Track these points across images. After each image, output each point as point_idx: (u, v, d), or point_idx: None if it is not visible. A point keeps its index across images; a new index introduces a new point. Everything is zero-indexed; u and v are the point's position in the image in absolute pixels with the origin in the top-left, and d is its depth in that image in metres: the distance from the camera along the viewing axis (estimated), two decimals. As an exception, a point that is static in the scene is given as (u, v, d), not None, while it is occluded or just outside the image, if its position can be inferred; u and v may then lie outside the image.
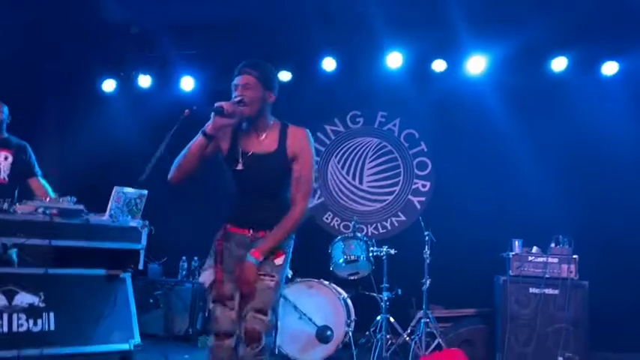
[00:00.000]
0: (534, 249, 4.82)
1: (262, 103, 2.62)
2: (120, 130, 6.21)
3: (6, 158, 4.27)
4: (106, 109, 6.48)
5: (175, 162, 2.61)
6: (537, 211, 5.38)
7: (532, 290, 4.69)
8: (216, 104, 2.54)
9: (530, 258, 4.76)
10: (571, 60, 5.59)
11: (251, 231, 2.65)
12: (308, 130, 2.72)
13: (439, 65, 5.85)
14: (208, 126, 2.55)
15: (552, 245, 4.77)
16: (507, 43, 5.47)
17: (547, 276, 4.67)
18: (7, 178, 4.24)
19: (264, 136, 2.66)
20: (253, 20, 5.76)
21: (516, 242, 4.84)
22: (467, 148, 5.92)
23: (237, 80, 2.60)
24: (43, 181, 4.41)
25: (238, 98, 2.56)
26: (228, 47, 6.01)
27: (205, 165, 2.68)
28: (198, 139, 2.57)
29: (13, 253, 4.02)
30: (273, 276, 2.59)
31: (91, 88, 6.55)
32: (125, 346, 4.04)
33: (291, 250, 2.73)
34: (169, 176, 2.64)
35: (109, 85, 6.61)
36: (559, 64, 5.62)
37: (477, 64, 5.75)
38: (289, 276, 4.75)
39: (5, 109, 4.32)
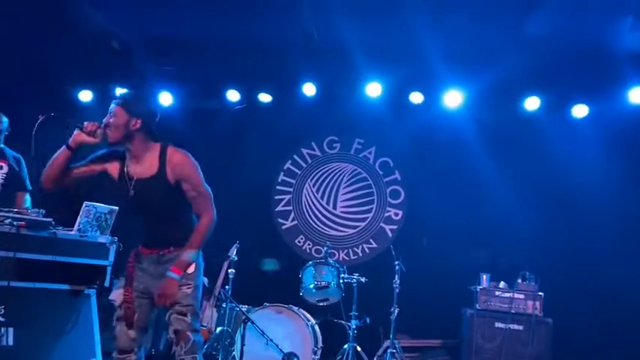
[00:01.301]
0: (501, 284, 4.90)
1: (126, 129, 2.79)
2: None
3: (1, 168, 4.26)
4: (81, 120, 6.38)
5: (44, 170, 2.85)
6: (506, 246, 5.49)
7: (498, 325, 4.76)
8: (84, 126, 2.84)
9: (497, 293, 4.84)
10: (544, 100, 5.78)
11: (157, 250, 2.86)
12: (185, 151, 2.87)
13: (416, 97, 5.97)
14: (71, 139, 2.84)
15: (519, 281, 4.86)
16: (483, 79, 5.63)
17: (513, 311, 4.74)
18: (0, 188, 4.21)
19: (143, 160, 2.83)
20: (235, 41, 5.78)
21: (484, 276, 4.92)
22: (440, 179, 6.02)
23: (109, 109, 2.87)
24: (27, 198, 4.40)
25: (103, 122, 2.83)
26: (209, 66, 6.04)
27: (90, 182, 2.95)
28: (61, 149, 2.85)
29: None
30: (189, 284, 2.80)
31: (67, 97, 6.46)
32: (85, 365, 3.92)
33: (201, 258, 2.90)
34: (42, 185, 2.88)
35: (85, 96, 6.53)
36: (532, 103, 5.79)
37: (453, 99, 5.89)
38: (206, 283, 4.78)
39: (5, 120, 4.32)
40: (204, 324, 5.22)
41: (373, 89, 5.94)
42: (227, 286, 5.01)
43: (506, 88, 5.67)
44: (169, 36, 5.82)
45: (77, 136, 2.82)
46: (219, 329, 5.05)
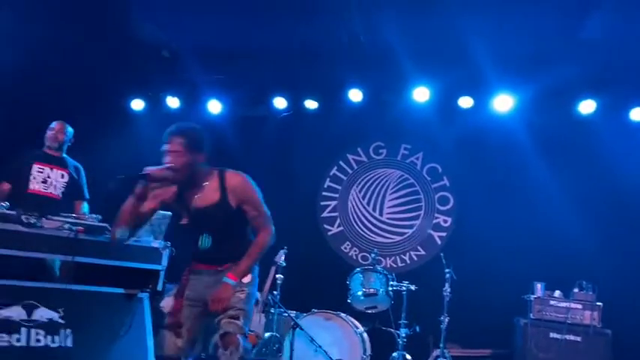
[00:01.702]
0: (557, 293, 4.74)
1: (192, 167, 2.82)
2: (147, 150, 6.26)
3: (62, 176, 4.44)
4: (134, 129, 6.57)
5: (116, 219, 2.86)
6: (561, 253, 5.30)
7: (553, 335, 4.60)
8: (144, 170, 2.80)
9: (552, 302, 4.68)
10: (600, 103, 5.57)
11: (215, 266, 2.89)
12: (243, 174, 2.92)
13: (465, 102, 5.87)
14: (136, 190, 2.83)
15: (575, 290, 4.69)
16: (536, 83, 5.48)
17: (569, 322, 4.57)
18: (60, 195, 4.40)
19: (203, 188, 2.86)
20: (281, 48, 5.84)
21: (538, 285, 4.77)
22: (491, 185, 5.88)
23: (165, 147, 2.82)
24: (85, 206, 4.57)
25: (167, 165, 2.79)
26: (256, 74, 6.11)
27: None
28: (129, 200, 2.86)
29: (56, 266, 4.09)
30: (243, 289, 2.83)
31: (120, 106, 6.67)
32: (139, 367, 4.00)
33: (256, 273, 2.96)
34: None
35: (137, 105, 6.72)
36: (587, 106, 5.60)
37: (503, 103, 5.76)
38: (258, 297, 4.79)
39: (70, 130, 4.54)
40: (252, 329, 5.26)
41: (421, 94, 5.88)
42: (275, 292, 5.04)
43: (559, 91, 5.50)
44: (218, 44, 5.92)
45: (141, 188, 2.86)
46: (267, 334, 5.08)
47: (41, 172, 4.36)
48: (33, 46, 5.46)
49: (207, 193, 2.85)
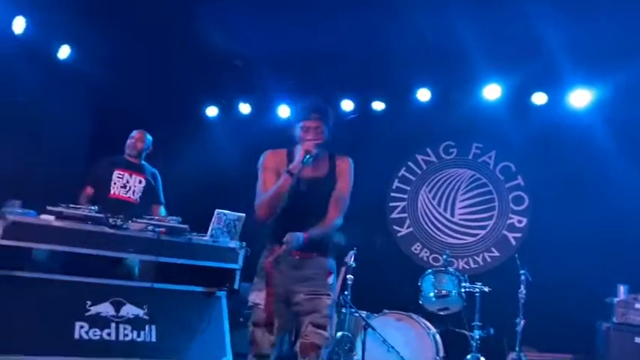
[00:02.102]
0: (642, 296, 4.49)
1: (325, 142, 2.87)
2: (221, 155, 6.54)
3: (140, 182, 4.69)
4: (208, 135, 6.85)
5: (263, 202, 2.80)
6: (646, 255, 5.01)
7: (638, 340, 4.36)
8: (306, 149, 2.77)
9: (637, 305, 4.44)
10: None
11: (300, 252, 2.78)
12: (351, 159, 2.95)
13: (539, 98, 5.69)
14: (294, 166, 2.77)
15: (662, 293, 4.43)
16: (614, 76, 5.23)
17: (656, 326, 4.33)
18: (138, 200, 4.65)
19: (318, 168, 2.87)
20: (348, 51, 5.88)
21: (622, 287, 4.55)
22: (567, 184, 5.65)
23: (309, 123, 2.84)
24: (163, 210, 4.80)
25: (317, 141, 2.81)
26: (324, 77, 6.19)
27: None
28: (285, 178, 2.76)
29: (136, 266, 4.37)
30: (329, 295, 2.79)
31: (195, 113, 6.98)
32: (217, 364, 4.17)
33: (335, 275, 2.91)
34: (259, 214, 2.83)
35: (211, 111, 7.01)
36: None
37: (580, 98, 5.54)
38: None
39: (149, 138, 4.80)
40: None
41: (492, 91, 5.76)
42: (346, 292, 5.09)
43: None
44: (286, 50, 6.05)
45: (297, 164, 2.77)
46: (339, 334, 5.13)
47: (121, 178, 4.62)
48: (118, 61, 5.85)
49: (320, 167, 2.86)
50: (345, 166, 2.91)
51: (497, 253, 6.02)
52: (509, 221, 6.03)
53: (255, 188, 2.91)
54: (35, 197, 3.89)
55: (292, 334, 2.84)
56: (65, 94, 5.61)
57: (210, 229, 4.30)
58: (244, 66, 6.23)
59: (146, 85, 6.23)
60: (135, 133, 4.76)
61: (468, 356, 4.70)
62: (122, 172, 4.64)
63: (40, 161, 5.33)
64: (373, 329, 4.52)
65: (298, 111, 2.94)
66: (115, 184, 4.60)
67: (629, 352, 4.36)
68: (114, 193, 4.59)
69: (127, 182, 4.64)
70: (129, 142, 4.73)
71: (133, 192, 4.65)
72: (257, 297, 2.82)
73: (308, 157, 2.75)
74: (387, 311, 4.75)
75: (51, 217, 3.72)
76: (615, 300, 4.50)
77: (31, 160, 5.20)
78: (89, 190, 4.60)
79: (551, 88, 5.63)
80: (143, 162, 4.80)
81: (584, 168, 5.58)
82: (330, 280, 2.84)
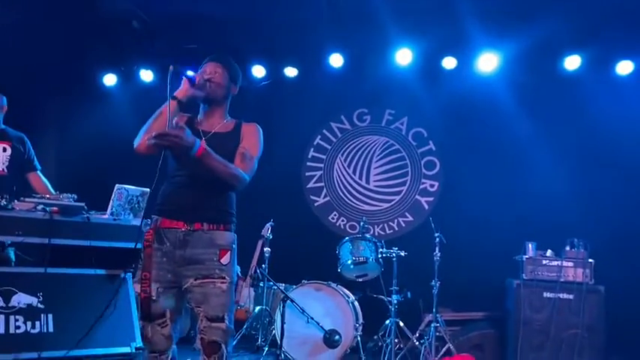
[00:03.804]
0: (548, 252, 4.68)
1: (226, 91, 2.63)
2: (121, 126, 6.03)
3: (4, 150, 4.12)
4: (107, 105, 6.33)
5: (144, 127, 2.47)
6: (551, 213, 5.25)
7: (546, 295, 4.55)
8: (193, 74, 2.53)
9: (544, 261, 4.63)
10: (585, 58, 5.46)
11: (185, 224, 2.45)
12: (259, 125, 2.69)
13: (449, 62, 5.72)
14: (179, 91, 2.50)
15: (567, 249, 4.64)
16: (520, 40, 5.34)
17: (562, 280, 4.53)
18: (6, 170, 4.09)
19: (220, 123, 2.62)
20: (257, 15, 5.60)
21: (530, 245, 4.71)
22: (477, 147, 5.79)
23: (206, 67, 2.62)
24: (42, 177, 4.27)
25: (208, 76, 2.56)
26: (232, 42, 5.87)
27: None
28: (167, 103, 2.43)
29: (11, 251, 3.89)
30: (223, 278, 2.44)
31: (91, 82, 6.41)
32: (126, 349, 3.89)
33: (235, 248, 2.55)
34: (136, 145, 2.47)
35: (109, 80, 6.47)
36: (572, 62, 5.49)
37: (488, 62, 5.63)
38: (239, 273, 4.61)
39: (4, 99, 4.17)
40: (242, 303, 5.16)
41: (403, 56, 5.71)
42: (263, 265, 4.93)
43: (544, 47, 5.38)
44: (190, 13, 5.66)
45: (188, 88, 2.48)
46: (257, 309, 4.99)
47: None
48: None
49: (222, 125, 2.60)
50: (252, 128, 2.64)
51: (411, 218, 6.09)
52: (421, 186, 6.10)
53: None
54: None
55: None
56: None
57: (110, 206, 3.95)
58: (143, 28, 5.74)
59: (33, 54, 5.59)
60: None
61: (387, 321, 4.71)
62: None
63: None
64: (292, 301, 4.39)
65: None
66: None
67: (538, 306, 4.54)
68: None
69: None
70: None
71: None
72: (137, 287, 2.51)
73: (191, 76, 2.46)
74: (305, 282, 4.64)
75: None
76: (524, 257, 4.66)
77: None
78: None
79: (461, 52, 5.67)
80: (3, 126, 4.16)
81: (493, 131, 5.73)
82: (226, 259, 2.46)
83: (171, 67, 2.42)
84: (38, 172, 4.27)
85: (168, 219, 2.47)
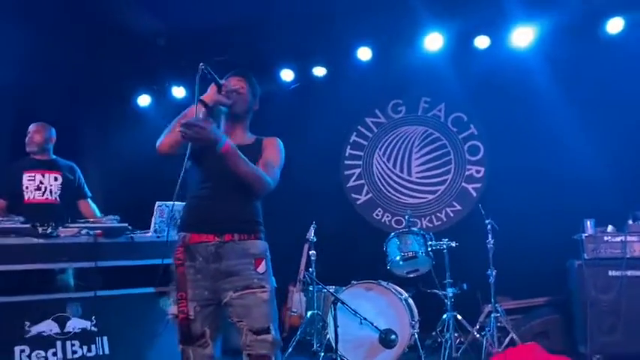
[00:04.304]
0: (609, 228, 4.41)
1: (249, 106, 2.59)
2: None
3: (56, 179, 4.23)
4: (143, 125, 6.40)
5: (167, 129, 2.42)
6: (607, 187, 4.94)
7: (612, 273, 4.29)
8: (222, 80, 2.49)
9: (606, 238, 4.36)
10: (628, 21, 5.12)
11: (215, 237, 2.38)
12: (279, 139, 2.65)
13: (482, 42, 5.50)
14: (206, 95, 2.45)
15: (630, 222, 4.36)
16: (556, 10, 5.07)
17: (628, 256, 4.25)
18: (58, 199, 4.21)
19: (242, 138, 2.56)
20: (280, 19, 5.54)
21: (588, 222, 4.45)
22: (521, 126, 5.54)
23: (230, 80, 2.57)
24: (91, 204, 4.38)
25: (236, 87, 2.52)
26: (258, 49, 5.84)
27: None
28: (194, 105, 2.39)
29: (70, 276, 3.96)
30: (263, 287, 2.37)
31: (127, 105, 6.51)
32: (182, 366, 3.86)
33: (269, 256, 2.48)
34: (159, 144, 2.42)
35: (144, 100, 6.55)
36: (615, 26, 5.16)
37: (523, 37, 5.37)
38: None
39: (53, 131, 4.31)
40: (294, 310, 5.10)
41: (433, 41, 5.53)
42: (310, 269, 4.85)
43: (583, 14, 5.08)
44: (213, 25, 5.66)
45: (215, 94, 2.45)
46: (309, 313, 4.90)
47: (32, 180, 4.17)
48: (31, 59, 5.30)
49: (243, 138, 2.56)
50: (273, 141, 2.61)
51: (459, 207, 5.88)
52: (467, 173, 5.88)
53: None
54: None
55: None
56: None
57: (152, 223, 3.95)
58: (169, 45, 5.77)
59: (66, 79, 5.71)
60: (31, 127, 4.27)
61: (444, 315, 4.54)
62: (32, 174, 4.17)
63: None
64: (342, 303, 4.28)
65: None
66: (27, 188, 4.14)
67: (604, 286, 4.28)
68: (29, 199, 4.14)
69: (41, 183, 4.18)
70: (26, 138, 4.24)
71: (51, 192, 4.19)
72: (173, 309, 2.40)
73: (222, 83, 2.43)
74: (355, 282, 4.52)
75: (-34, 236, 3.29)
76: (583, 236, 4.40)
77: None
78: (0, 204, 4.13)
79: (493, 29, 5.44)
80: (54, 157, 4.30)
81: (534, 108, 5.49)
82: (262, 268, 2.39)
83: (201, 65, 2.39)
84: (88, 199, 4.38)
85: (197, 234, 2.41)
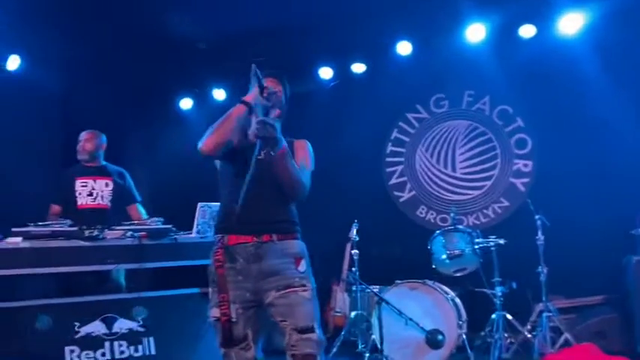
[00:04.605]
0: (670, 221, 4.16)
1: (282, 109, 2.55)
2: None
3: (107, 185, 4.36)
4: (185, 128, 6.48)
5: (210, 129, 2.37)
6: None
7: (674, 270, 4.04)
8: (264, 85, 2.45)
9: (666, 232, 4.11)
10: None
11: (253, 237, 2.36)
12: (308, 142, 2.64)
13: (527, 30, 5.29)
14: (249, 95, 2.43)
15: (692, 215, 4.10)
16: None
17: (691, 252, 4.00)
18: (109, 204, 4.34)
19: None
20: (318, 17, 5.48)
21: (646, 215, 4.21)
22: (570, 117, 5.28)
23: (268, 82, 2.52)
24: (139, 208, 4.48)
25: (276, 90, 2.51)
26: (296, 48, 5.81)
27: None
28: (238, 106, 2.40)
29: (122, 277, 4.05)
30: (304, 285, 2.35)
31: (170, 109, 6.62)
32: (227, 367, 3.87)
33: (308, 257, 2.46)
34: (202, 145, 2.36)
35: (186, 104, 6.65)
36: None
37: (571, 24, 5.13)
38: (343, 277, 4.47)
39: (103, 138, 4.45)
40: (338, 310, 5.05)
41: (475, 32, 5.36)
42: (353, 268, 4.78)
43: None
44: (252, 26, 5.66)
45: (255, 93, 2.43)
46: (353, 314, 4.84)
47: (85, 186, 4.30)
48: (75, 65, 5.46)
49: None
50: (303, 144, 2.59)
51: (507, 203, 5.68)
52: (514, 167, 5.68)
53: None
54: (4, 222, 3.54)
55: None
56: (21, 107, 5.22)
57: (195, 224, 3.98)
58: (209, 48, 5.82)
59: (111, 86, 5.85)
60: (82, 135, 4.41)
61: (493, 315, 4.39)
62: (85, 180, 4.31)
63: (5, 183, 4.96)
64: (387, 303, 4.20)
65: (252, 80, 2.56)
66: (79, 194, 4.28)
67: (665, 283, 4.04)
68: (82, 204, 4.27)
69: (93, 189, 4.31)
70: (78, 146, 4.38)
71: (102, 197, 4.33)
72: (215, 311, 2.36)
73: (265, 84, 2.40)
74: (399, 282, 4.43)
75: (18, 239, 3.40)
76: (641, 231, 4.17)
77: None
78: (55, 209, 4.27)
79: (539, 17, 5.22)
80: (104, 163, 4.44)
81: (583, 97, 5.21)
82: (302, 267, 2.38)
83: (253, 66, 2.39)
84: (137, 204, 4.49)
85: (236, 235, 2.39)
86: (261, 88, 2.42)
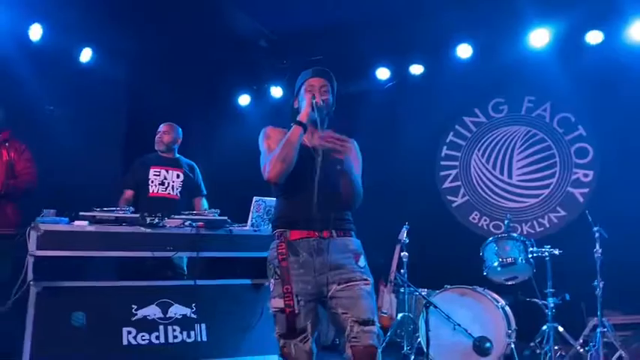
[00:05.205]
0: None
1: (330, 111, 2.57)
2: (255, 143, 6.29)
3: (178, 176, 4.53)
4: (242, 123, 6.64)
5: (273, 157, 2.40)
6: None
7: None
8: (314, 98, 2.49)
9: None
10: None
11: (315, 232, 2.42)
12: (354, 140, 2.64)
13: (594, 37, 5.13)
14: (302, 115, 2.46)
15: None
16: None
17: None
18: (178, 195, 4.50)
19: (318, 137, 2.48)
20: (379, 16, 5.50)
21: None
22: (635, 127, 5.09)
23: (314, 81, 2.55)
24: (203, 200, 4.64)
25: (324, 97, 2.52)
26: (354, 47, 5.84)
27: None
28: (295, 127, 2.43)
29: (184, 262, 4.22)
30: (366, 279, 2.41)
31: (229, 104, 6.78)
32: (274, 357, 3.96)
33: (364, 254, 2.52)
34: (269, 175, 2.41)
35: (244, 100, 6.80)
36: None
37: (640, 31, 4.95)
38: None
39: (180, 132, 4.63)
40: (384, 310, 5.05)
41: (539, 37, 5.24)
42: (402, 270, 4.78)
43: None
44: (312, 25, 5.74)
45: (307, 111, 2.45)
46: (400, 315, 4.84)
47: (158, 175, 4.47)
48: (141, 57, 5.70)
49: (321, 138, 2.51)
50: (353, 148, 2.59)
51: (563, 212, 5.54)
52: (573, 176, 5.53)
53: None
54: (74, 205, 3.75)
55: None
56: (92, 97, 5.49)
57: (250, 217, 4.09)
58: (270, 46, 5.94)
59: (175, 79, 6.06)
60: (161, 127, 4.59)
61: (544, 327, 4.29)
62: (158, 169, 4.49)
63: (76, 168, 5.24)
64: (435, 307, 4.18)
65: (300, 76, 2.62)
66: (152, 182, 4.45)
67: None
68: (153, 192, 4.44)
69: (165, 179, 4.48)
70: (156, 137, 4.57)
71: (172, 188, 4.49)
72: (278, 302, 2.38)
73: (315, 101, 2.44)
74: (448, 287, 4.40)
75: (84, 223, 3.59)
76: None
77: (66, 168, 5.10)
78: (128, 194, 4.46)
79: (607, 23, 5.06)
80: (178, 155, 4.62)
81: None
82: (362, 262, 2.45)
83: (314, 102, 2.46)
84: (203, 197, 4.65)
85: (298, 230, 2.45)
86: (313, 105, 2.46)
